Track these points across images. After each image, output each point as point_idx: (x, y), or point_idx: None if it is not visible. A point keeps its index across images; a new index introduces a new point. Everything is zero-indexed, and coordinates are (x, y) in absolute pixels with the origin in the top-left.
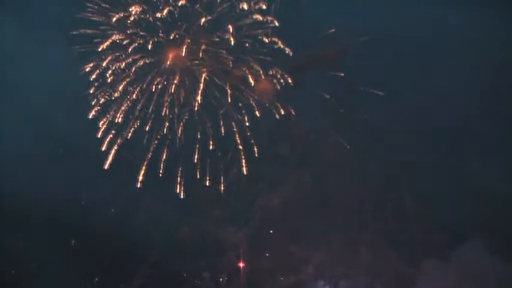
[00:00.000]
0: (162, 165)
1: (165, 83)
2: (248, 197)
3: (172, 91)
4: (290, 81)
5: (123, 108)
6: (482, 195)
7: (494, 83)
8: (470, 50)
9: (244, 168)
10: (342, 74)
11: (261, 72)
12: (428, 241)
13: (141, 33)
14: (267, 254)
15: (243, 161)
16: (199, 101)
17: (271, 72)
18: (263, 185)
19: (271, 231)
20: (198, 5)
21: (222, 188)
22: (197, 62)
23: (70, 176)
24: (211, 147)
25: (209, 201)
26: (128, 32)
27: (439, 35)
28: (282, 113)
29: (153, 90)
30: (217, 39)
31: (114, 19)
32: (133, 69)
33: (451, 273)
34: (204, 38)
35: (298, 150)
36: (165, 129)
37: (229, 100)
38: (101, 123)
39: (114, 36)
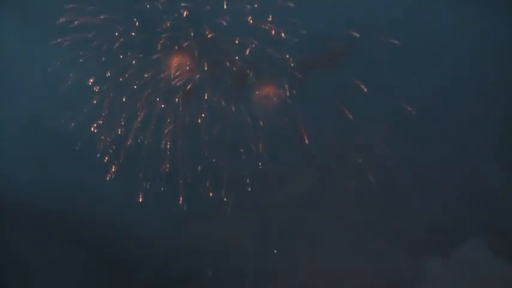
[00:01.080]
0: (164, 177)
1: (168, 94)
2: (251, 201)
3: (176, 101)
4: (294, 91)
5: (125, 119)
6: (483, 195)
7: (494, 81)
8: (472, 49)
9: (247, 179)
10: (365, 90)
11: (265, 82)
12: (430, 240)
13: (144, 38)
14: (271, 255)
15: (246, 170)
16: (203, 114)
17: (275, 82)
18: (266, 191)
19: (275, 251)
20: (202, 16)
21: (225, 199)
22: (202, 73)
23: (71, 183)
24: (214, 158)
25: (212, 208)
26: (133, 42)
27: (441, 34)
28: (286, 120)
29: (157, 101)
30: (222, 51)
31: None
32: (137, 80)
33: (453, 272)
34: (209, 49)
35: (301, 154)
36: (168, 141)
37: (233, 109)
38: (102, 136)
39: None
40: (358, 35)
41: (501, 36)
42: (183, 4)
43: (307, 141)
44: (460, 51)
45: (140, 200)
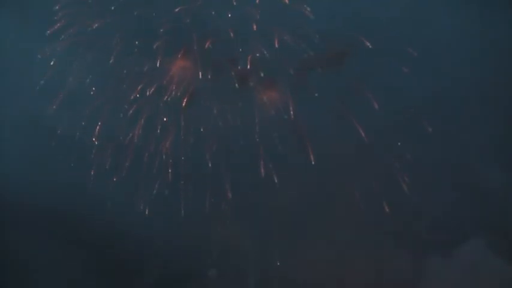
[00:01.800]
0: (165, 180)
1: (170, 99)
2: (252, 204)
3: (178, 107)
4: (297, 94)
5: (126, 124)
6: (484, 195)
7: (495, 81)
8: (473, 49)
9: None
10: (366, 91)
11: (267, 85)
12: (430, 240)
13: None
14: (272, 256)
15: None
16: (205, 119)
17: (277, 86)
18: (267, 193)
19: (278, 263)
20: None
21: (227, 207)
22: (204, 78)
23: (71, 184)
24: (215, 162)
25: (213, 209)
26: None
27: (441, 34)
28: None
29: (158, 106)
30: (224, 55)
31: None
32: (137, 85)
33: (453, 273)
34: (211, 54)
35: (302, 155)
36: (168, 149)
37: (235, 113)
38: (103, 141)
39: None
40: (365, 40)
41: (501, 36)
42: (182, 7)
43: (313, 161)
44: (460, 51)
45: (141, 208)
